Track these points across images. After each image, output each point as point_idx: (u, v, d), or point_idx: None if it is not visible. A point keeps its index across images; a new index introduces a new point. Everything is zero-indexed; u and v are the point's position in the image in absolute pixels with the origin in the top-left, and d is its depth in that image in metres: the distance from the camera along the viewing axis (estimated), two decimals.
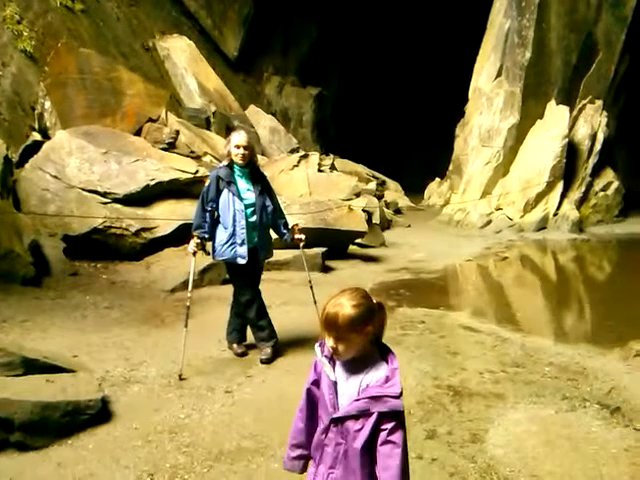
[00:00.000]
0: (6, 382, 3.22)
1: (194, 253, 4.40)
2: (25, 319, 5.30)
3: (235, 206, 4.35)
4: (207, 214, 4.39)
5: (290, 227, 4.74)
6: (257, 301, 4.54)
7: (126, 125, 10.11)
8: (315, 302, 4.77)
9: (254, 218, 4.43)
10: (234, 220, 4.35)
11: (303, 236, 4.76)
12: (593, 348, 5.11)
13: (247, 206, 4.40)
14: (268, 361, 4.50)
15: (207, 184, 4.43)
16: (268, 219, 4.56)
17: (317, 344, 1.86)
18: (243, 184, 4.45)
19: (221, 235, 4.40)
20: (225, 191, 4.36)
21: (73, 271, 7.03)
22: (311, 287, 4.91)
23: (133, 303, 6.19)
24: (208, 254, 4.59)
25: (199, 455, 3.10)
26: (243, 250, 4.36)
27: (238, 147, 4.35)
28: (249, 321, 4.62)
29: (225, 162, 4.47)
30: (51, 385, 3.33)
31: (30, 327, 5.12)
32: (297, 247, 4.98)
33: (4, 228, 6.36)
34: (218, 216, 4.40)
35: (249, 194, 4.44)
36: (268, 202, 4.54)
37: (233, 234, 4.35)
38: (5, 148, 7.39)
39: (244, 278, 4.51)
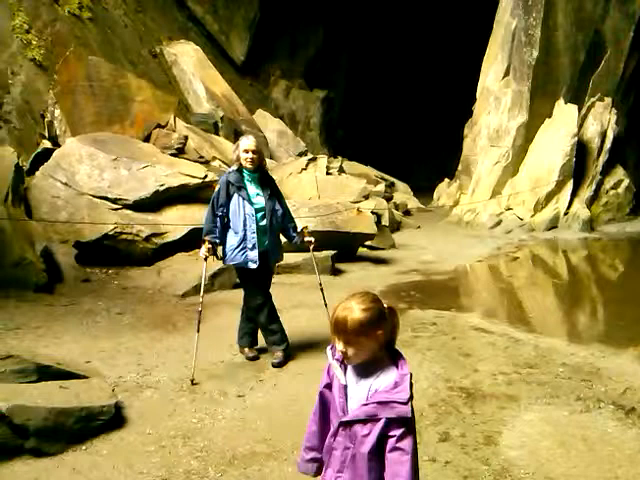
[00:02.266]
0: (20, 389, 3.25)
1: (205, 258, 4.42)
2: (38, 326, 5.34)
3: (245, 210, 4.37)
4: (217, 219, 4.41)
5: (299, 230, 4.75)
6: (268, 305, 4.55)
7: (135, 131, 10.18)
8: (326, 305, 4.77)
9: (264, 222, 4.44)
10: (244, 224, 4.36)
11: (312, 239, 4.77)
12: (606, 348, 5.06)
13: (257, 210, 4.42)
14: (280, 365, 4.50)
15: (217, 189, 4.45)
16: (278, 223, 4.57)
17: (328, 347, 1.86)
18: (253, 189, 4.46)
19: (232, 240, 4.41)
20: (235, 196, 4.38)
21: (85, 277, 7.09)
22: (321, 290, 4.92)
23: (145, 308, 6.23)
24: (219, 259, 4.59)
25: (212, 460, 3.10)
26: (254, 254, 4.37)
27: (247, 152, 4.37)
28: (260, 325, 4.62)
29: (234, 167, 4.49)
30: (65, 391, 3.35)
31: (43, 334, 5.16)
32: (307, 250, 4.98)
33: (16, 236, 6.42)
34: (228, 221, 4.42)
35: (259, 198, 4.46)
36: (278, 206, 4.56)
37: (244, 238, 4.37)
38: (16, 156, 7.46)
39: (255, 282, 4.52)
